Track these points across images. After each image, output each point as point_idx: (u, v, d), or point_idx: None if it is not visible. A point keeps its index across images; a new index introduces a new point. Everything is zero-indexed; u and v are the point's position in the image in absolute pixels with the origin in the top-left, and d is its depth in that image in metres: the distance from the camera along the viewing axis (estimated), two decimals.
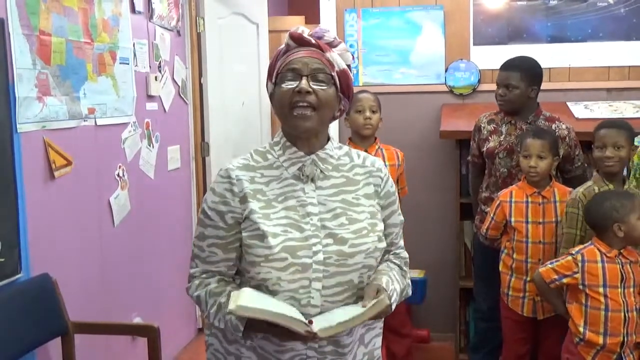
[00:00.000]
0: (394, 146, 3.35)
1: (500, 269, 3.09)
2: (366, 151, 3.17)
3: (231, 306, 1.40)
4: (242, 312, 1.40)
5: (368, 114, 3.19)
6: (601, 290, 2.53)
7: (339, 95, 1.60)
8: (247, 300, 1.43)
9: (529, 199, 2.96)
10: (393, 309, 1.60)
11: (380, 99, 3.30)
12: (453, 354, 3.78)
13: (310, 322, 1.44)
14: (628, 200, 2.54)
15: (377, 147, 3.27)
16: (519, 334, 3.09)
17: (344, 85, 1.60)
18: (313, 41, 1.57)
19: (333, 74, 1.57)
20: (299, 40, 1.58)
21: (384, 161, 3.17)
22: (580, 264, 2.57)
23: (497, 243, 3.15)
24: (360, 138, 3.24)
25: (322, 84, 1.55)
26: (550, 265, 2.67)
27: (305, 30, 1.60)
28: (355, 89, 3.77)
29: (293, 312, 1.46)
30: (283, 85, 1.56)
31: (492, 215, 3.06)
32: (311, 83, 1.54)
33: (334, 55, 1.58)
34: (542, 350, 3.09)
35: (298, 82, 1.54)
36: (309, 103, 1.53)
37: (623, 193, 2.62)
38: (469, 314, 3.76)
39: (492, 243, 3.18)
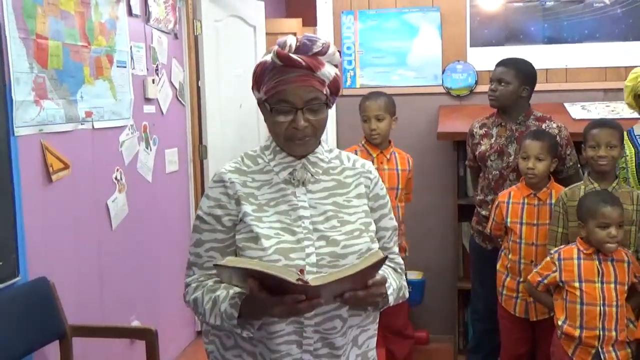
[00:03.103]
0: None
1: (497, 268, 3.11)
2: (381, 153, 3.21)
3: (221, 262, 1.42)
4: (231, 263, 1.41)
5: (374, 124, 3.18)
6: (576, 284, 2.57)
7: (329, 99, 1.59)
8: (236, 259, 1.48)
9: (525, 200, 2.97)
10: (390, 304, 1.60)
11: None
12: (452, 355, 3.78)
13: (302, 271, 1.42)
14: (597, 204, 2.55)
15: (391, 150, 3.27)
16: (516, 334, 3.10)
17: (334, 90, 1.60)
18: (303, 63, 1.51)
19: (325, 91, 1.56)
20: (287, 62, 1.51)
21: (397, 166, 3.20)
22: (557, 262, 2.64)
23: (500, 243, 3.16)
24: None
25: (316, 112, 1.55)
26: (535, 270, 2.75)
27: (293, 44, 1.53)
28: (360, 91, 3.84)
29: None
30: (278, 117, 1.55)
31: (492, 216, 3.09)
32: (306, 114, 1.53)
33: (324, 70, 1.55)
34: (539, 353, 3.09)
35: (293, 116, 1.53)
36: (306, 134, 1.55)
37: (602, 196, 2.62)
38: (468, 316, 3.76)
39: (497, 243, 3.19)
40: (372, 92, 3.33)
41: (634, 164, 2.89)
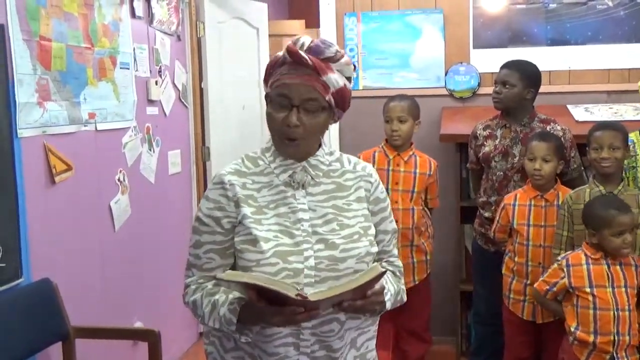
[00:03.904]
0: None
1: (503, 271, 3.10)
2: (398, 156, 3.20)
3: (221, 275, 1.43)
4: (231, 277, 1.42)
5: (396, 125, 3.17)
6: (588, 289, 2.56)
7: (333, 111, 1.59)
8: (237, 273, 1.49)
9: (532, 202, 2.97)
10: (387, 309, 1.60)
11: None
12: (454, 357, 3.77)
13: (301, 289, 1.43)
14: (609, 213, 2.54)
15: (411, 153, 3.25)
16: (521, 338, 3.09)
17: (339, 102, 1.58)
18: (310, 63, 1.51)
19: (327, 97, 1.55)
20: (296, 58, 1.52)
21: (416, 169, 3.19)
22: (565, 269, 2.62)
23: (504, 246, 3.15)
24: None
25: (312, 114, 1.54)
26: (542, 279, 2.73)
27: (306, 42, 1.55)
28: (363, 93, 3.84)
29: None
30: (274, 110, 1.55)
31: (497, 218, 3.08)
32: (301, 113, 1.53)
33: (331, 76, 1.54)
34: (545, 356, 3.08)
35: (288, 112, 1.53)
36: (296, 135, 1.54)
37: (614, 204, 2.61)
38: (470, 318, 3.76)
39: (500, 246, 3.19)
40: (398, 95, 3.33)
41: None
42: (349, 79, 1.60)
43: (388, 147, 3.24)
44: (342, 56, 1.57)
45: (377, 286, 1.48)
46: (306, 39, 1.56)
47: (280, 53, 1.58)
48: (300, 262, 1.52)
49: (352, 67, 1.60)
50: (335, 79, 1.55)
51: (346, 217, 1.60)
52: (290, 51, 1.53)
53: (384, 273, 1.45)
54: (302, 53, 1.52)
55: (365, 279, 1.43)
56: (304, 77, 1.53)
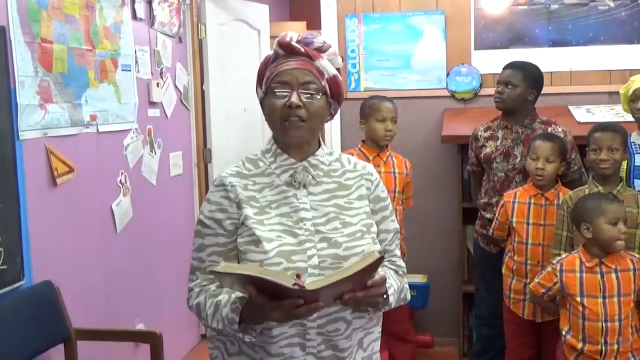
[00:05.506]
0: (395, 151, 3.35)
1: (503, 271, 3.09)
2: (377, 156, 3.19)
3: (217, 268, 1.41)
4: (226, 269, 1.40)
5: (390, 125, 3.18)
6: (579, 299, 2.54)
7: (329, 102, 1.61)
8: (232, 265, 1.49)
9: (532, 200, 2.96)
10: (391, 305, 1.59)
11: None
12: (456, 359, 3.77)
13: (298, 276, 1.42)
14: (601, 202, 2.54)
15: (388, 153, 3.26)
16: (522, 338, 3.08)
17: (334, 91, 1.61)
18: (302, 50, 1.57)
19: (323, 83, 1.58)
20: (287, 49, 1.57)
21: (394, 169, 3.20)
22: (559, 274, 2.60)
23: (503, 244, 3.15)
24: (374, 144, 3.24)
25: (312, 96, 1.56)
26: (536, 280, 2.71)
27: (294, 36, 1.59)
28: (365, 94, 3.85)
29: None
30: (274, 98, 1.56)
31: (497, 215, 3.08)
32: (301, 96, 1.55)
33: (323, 62, 1.58)
34: (544, 354, 3.08)
35: (288, 96, 1.54)
36: (300, 116, 1.55)
37: (602, 195, 2.61)
38: (472, 319, 3.75)
39: (499, 244, 3.18)
40: (382, 96, 3.34)
41: (624, 171, 2.89)
42: (338, 70, 1.63)
43: (366, 148, 3.24)
44: (329, 46, 1.61)
45: (377, 277, 1.46)
46: (293, 34, 1.60)
47: (271, 52, 1.62)
48: (304, 261, 1.51)
49: (340, 58, 1.64)
50: (327, 65, 1.59)
51: (348, 215, 1.60)
52: (281, 43, 1.58)
53: (381, 259, 1.43)
54: (293, 43, 1.58)
55: (361, 265, 1.40)
56: (299, 62, 1.57)
